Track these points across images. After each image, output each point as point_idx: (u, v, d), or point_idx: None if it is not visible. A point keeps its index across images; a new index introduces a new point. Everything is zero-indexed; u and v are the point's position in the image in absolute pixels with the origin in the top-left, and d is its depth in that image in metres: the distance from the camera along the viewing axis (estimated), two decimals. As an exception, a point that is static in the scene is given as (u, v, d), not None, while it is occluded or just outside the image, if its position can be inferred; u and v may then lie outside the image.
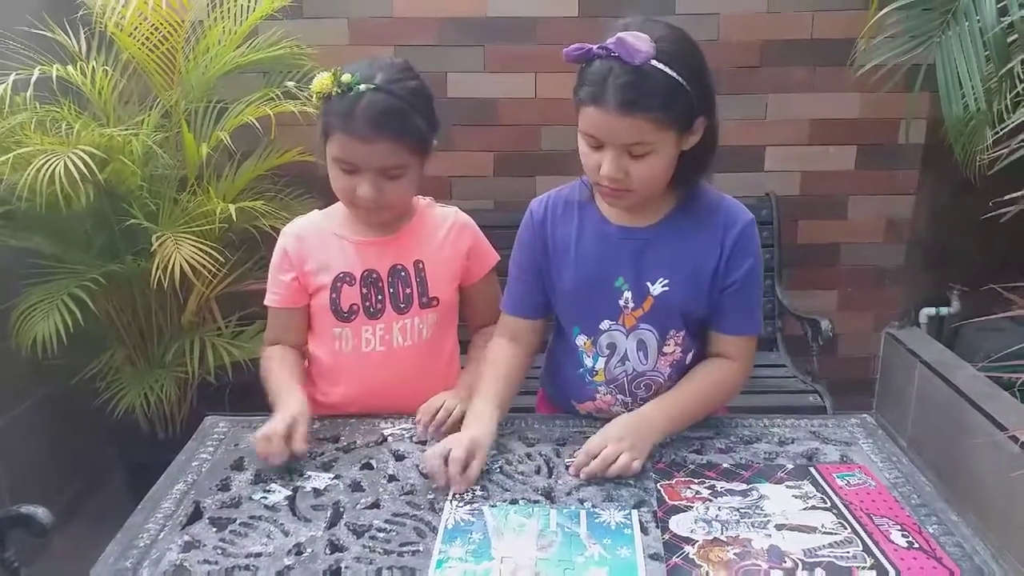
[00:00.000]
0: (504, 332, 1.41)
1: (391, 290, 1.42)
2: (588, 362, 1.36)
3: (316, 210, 1.50)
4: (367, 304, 1.41)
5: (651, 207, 1.29)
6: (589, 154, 1.20)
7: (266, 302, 1.46)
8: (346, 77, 1.28)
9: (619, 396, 1.37)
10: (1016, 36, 1.73)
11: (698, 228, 1.29)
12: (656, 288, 1.29)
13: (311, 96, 1.33)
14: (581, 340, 1.36)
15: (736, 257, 1.28)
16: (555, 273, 1.35)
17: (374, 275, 1.41)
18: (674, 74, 1.12)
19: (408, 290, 1.42)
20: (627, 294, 1.30)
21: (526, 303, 1.40)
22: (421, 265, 1.43)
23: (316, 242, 1.43)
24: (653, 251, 1.29)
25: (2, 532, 1.29)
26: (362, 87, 1.28)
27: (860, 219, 2.76)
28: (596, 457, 1.17)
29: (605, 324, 1.33)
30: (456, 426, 1.25)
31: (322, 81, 1.30)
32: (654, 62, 1.11)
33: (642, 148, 1.16)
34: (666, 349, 1.33)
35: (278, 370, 1.39)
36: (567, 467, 1.20)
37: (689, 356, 1.36)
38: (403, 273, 1.42)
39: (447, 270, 1.46)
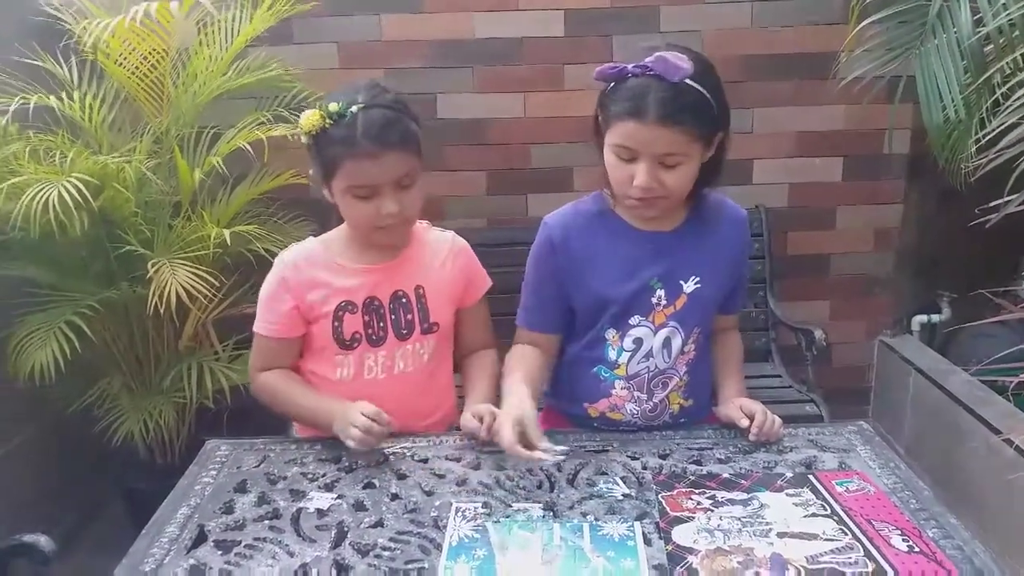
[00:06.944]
0: (523, 342, 1.44)
1: (392, 317, 1.42)
2: (612, 355, 1.39)
3: (311, 237, 1.48)
4: (369, 332, 1.41)
5: (670, 215, 1.37)
6: (620, 166, 1.26)
7: (257, 330, 1.43)
8: (333, 106, 1.29)
9: (636, 393, 1.40)
10: (992, 46, 1.76)
11: (714, 227, 1.40)
12: (689, 286, 1.37)
13: (300, 136, 1.33)
14: (610, 333, 1.39)
15: (745, 247, 1.48)
16: (582, 281, 1.38)
17: (376, 302, 1.41)
18: (705, 92, 1.21)
19: (409, 316, 1.42)
20: (660, 292, 1.37)
21: (545, 319, 1.43)
22: (421, 291, 1.43)
23: (316, 270, 1.41)
24: (681, 252, 1.37)
25: (4, 562, 1.29)
26: (353, 109, 1.28)
27: (849, 229, 2.79)
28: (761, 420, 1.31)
29: (635, 319, 1.38)
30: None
31: (311, 118, 1.29)
32: (688, 80, 1.19)
33: (675, 159, 1.23)
34: (686, 348, 1.40)
35: (301, 391, 1.41)
36: (744, 432, 1.32)
37: (698, 353, 1.43)
38: (404, 299, 1.42)
39: (446, 294, 1.46)
